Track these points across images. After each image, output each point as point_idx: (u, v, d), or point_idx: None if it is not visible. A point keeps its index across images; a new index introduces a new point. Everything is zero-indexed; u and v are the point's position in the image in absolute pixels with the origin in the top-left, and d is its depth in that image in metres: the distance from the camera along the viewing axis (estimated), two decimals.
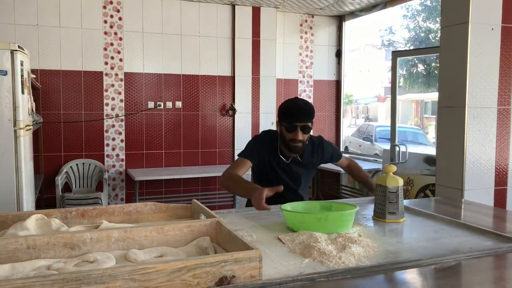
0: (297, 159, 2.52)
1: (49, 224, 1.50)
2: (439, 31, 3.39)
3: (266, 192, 1.91)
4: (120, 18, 5.20)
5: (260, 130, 4.58)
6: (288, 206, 1.83)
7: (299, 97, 2.52)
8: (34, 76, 4.32)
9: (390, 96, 4.79)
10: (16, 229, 1.44)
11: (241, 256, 1.16)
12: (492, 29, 3.05)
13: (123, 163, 5.37)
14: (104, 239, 1.35)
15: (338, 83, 6.47)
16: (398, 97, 4.66)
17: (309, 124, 2.39)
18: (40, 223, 1.51)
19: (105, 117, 5.24)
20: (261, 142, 2.53)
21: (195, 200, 1.77)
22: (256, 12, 5.76)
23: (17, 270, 1.18)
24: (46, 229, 1.49)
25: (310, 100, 6.29)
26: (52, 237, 1.30)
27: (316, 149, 2.60)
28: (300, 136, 2.37)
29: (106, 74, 5.21)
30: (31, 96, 3.63)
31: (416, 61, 16.30)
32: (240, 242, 1.27)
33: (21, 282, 0.97)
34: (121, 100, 5.29)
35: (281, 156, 2.50)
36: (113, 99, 5.26)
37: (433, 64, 15.62)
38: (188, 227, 1.46)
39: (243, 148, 2.54)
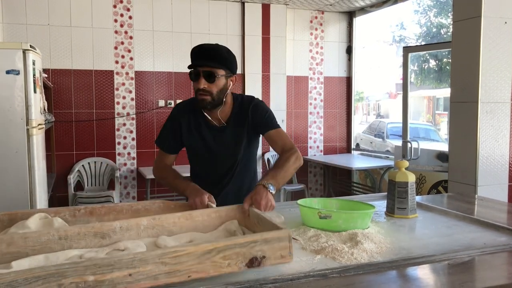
0: (221, 126, 2.03)
1: (52, 223, 1.50)
2: (451, 26, 3.35)
3: (206, 200, 1.68)
4: (130, 17, 5.23)
5: None
6: (303, 201, 1.75)
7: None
8: (46, 75, 4.36)
9: (401, 92, 4.76)
10: (17, 228, 1.44)
11: (270, 236, 1.16)
12: (505, 22, 3.01)
13: (135, 161, 5.40)
14: (133, 227, 1.37)
15: (348, 80, 6.43)
16: (410, 94, 4.63)
17: (216, 70, 1.85)
18: (43, 222, 1.51)
19: (116, 116, 5.27)
20: (174, 124, 2.11)
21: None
22: (265, 9, 5.74)
23: (50, 260, 1.20)
24: (48, 228, 1.49)
25: (321, 97, 6.27)
26: (82, 228, 1.33)
27: (244, 111, 2.03)
28: (203, 84, 1.85)
29: (117, 73, 5.24)
30: (43, 95, 3.66)
31: (428, 57, 16.16)
32: (269, 223, 1.28)
33: (55, 268, 0.98)
34: (132, 99, 5.32)
35: (206, 121, 2.03)
36: (124, 97, 5.29)
37: (445, 59, 15.47)
38: (216, 213, 1.48)
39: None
